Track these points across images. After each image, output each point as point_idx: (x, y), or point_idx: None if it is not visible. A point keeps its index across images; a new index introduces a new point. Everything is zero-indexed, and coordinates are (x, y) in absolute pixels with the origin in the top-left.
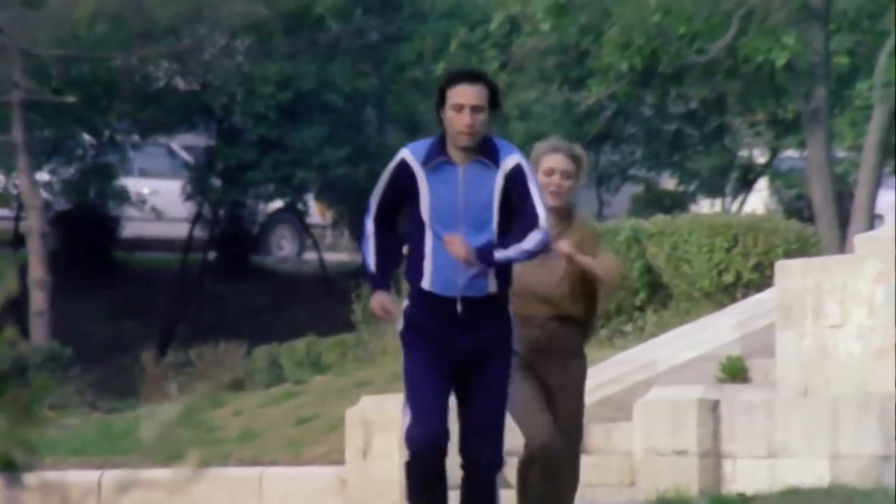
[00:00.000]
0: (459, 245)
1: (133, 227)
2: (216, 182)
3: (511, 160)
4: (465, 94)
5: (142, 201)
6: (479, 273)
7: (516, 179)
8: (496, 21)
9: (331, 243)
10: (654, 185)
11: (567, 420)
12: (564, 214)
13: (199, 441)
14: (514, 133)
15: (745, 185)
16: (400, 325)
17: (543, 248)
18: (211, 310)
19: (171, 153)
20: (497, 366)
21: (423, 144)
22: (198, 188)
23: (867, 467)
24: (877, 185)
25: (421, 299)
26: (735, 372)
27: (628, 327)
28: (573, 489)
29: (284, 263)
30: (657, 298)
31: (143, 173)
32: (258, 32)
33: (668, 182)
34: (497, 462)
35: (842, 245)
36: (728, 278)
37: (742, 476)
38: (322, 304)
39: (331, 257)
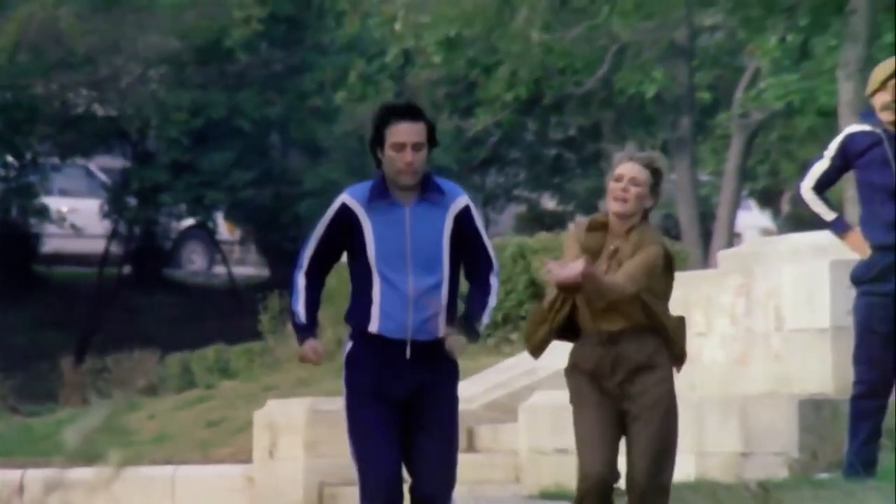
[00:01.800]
0: (458, 345)
1: (53, 242)
2: (132, 201)
3: (461, 201)
4: (405, 133)
5: (62, 218)
6: (430, 316)
7: (466, 221)
8: (391, 54)
9: (238, 258)
10: (536, 205)
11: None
12: (637, 230)
13: (116, 443)
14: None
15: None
16: (343, 369)
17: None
18: (126, 320)
19: (90, 174)
20: (445, 406)
21: (363, 187)
22: (114, 207)
23: (729, 463)
24: (736, 206)
25: (367, 343)
26: None
27: (514, 336)
28: None
29: (195, 277)
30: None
31: (63, 192)
32: (171, 63)
33: (549, 202)
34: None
35: (705, 260)
36: None
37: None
38: (230, 314)
39: (238, 271)
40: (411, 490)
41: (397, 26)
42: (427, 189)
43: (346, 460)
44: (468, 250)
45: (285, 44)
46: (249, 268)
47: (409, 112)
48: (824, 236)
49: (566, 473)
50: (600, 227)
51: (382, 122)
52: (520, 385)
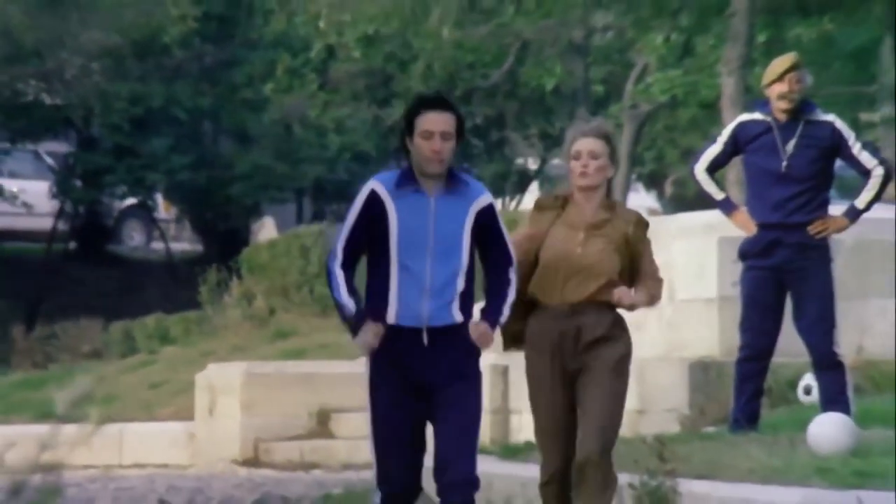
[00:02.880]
0: (484, 333)
1: (4, 220)
2: (77, 183)
3: (484, 198)
4: (434, 122)
5: (13, 197)
6: (443, 304)
7: (488, 217)
8: (315, 49)
9: (174, 235)
10: None
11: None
12: (606, 206)
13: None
14: (330, 143)
15: (521, 187)
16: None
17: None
18: (72, 291)
19: (38, 158)
20: (468, 386)
21: (391, 175)
22: (61, 188)
23: (627, 420)
24: (627, 188)
25: (387, 335)
26: (519, 338)
27: None
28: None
29: (135, 251)
30: None
31: (13, 175)
32: (112, 56)
33: None
34: (475, 482)
35: None
36: None
37: (527, 428)
38: (167, 286)
39: (175, 246)
40: (437, 470)
41: (321, 24)
42: (452, 182)
43: (279, 417)
44: (489, 246)
45: (217, 40)
46: (184, 243)
47: (440, 103)
48: (713, 215)
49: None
50: (553, 206)
51: (414, 111)
52: None
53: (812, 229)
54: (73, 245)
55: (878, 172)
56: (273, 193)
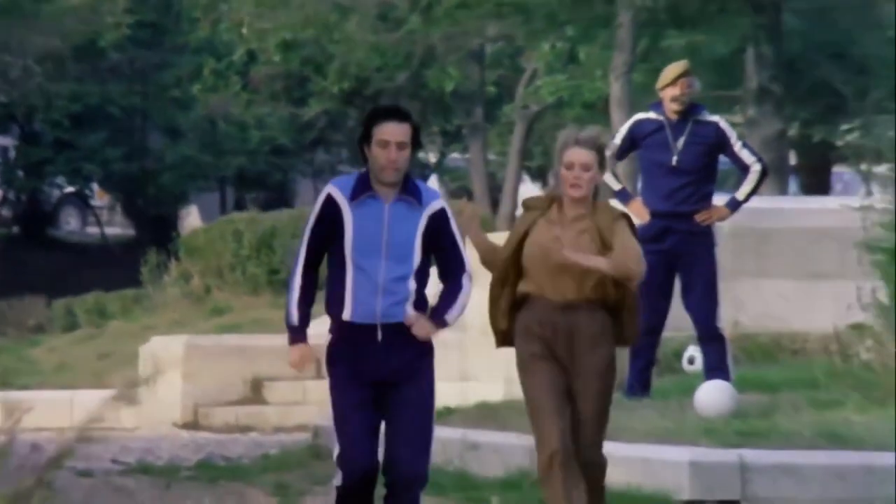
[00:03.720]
0: (423, 326)
1: None
2: (20, 173)
3: (436, 204)
4: (390, 132)
5: None
6: (395, 302)
7: (441, 222)
8: (238, 54)
9: (107, 220)
10: None
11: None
12: (585, 204)
13: (25, 371)
14: (251, 138)
15: (422, 179)
16: (323, 362)
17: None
18: (16, 271)
19: None
20: (420, 385)
21: (348, 180)
22: (5, 178)
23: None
24: (518, 180)
25: (342, 331)
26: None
27: None
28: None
29: (72, 235)
30: None
31: None
32: (53, 59)
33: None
34: (423, 478)
35: (493, 224)
36: None
37: (441, 396)
38: (103, 267)
39: (109, 231)
40: (386, 465)
41: (244, 31)
42: (407, 189)
43: (217, 385)
44: (442, 251)
45: (149, 45)
46: (116, 228)
47: (396, 113)
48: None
49: None
50: (539, 206)
51: (371, 120)
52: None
53: (698, 217)
54: (15, 229)
55: (756, 168)
56: (199, 182)
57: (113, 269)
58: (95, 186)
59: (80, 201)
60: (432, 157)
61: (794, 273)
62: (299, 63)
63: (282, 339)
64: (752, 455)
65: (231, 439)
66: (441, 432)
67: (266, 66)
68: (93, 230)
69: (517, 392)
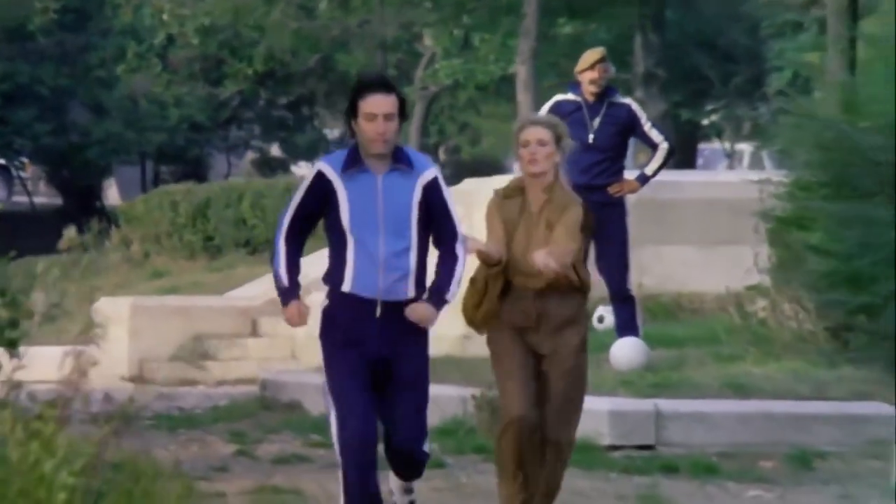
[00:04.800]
0: (425, 314)
1: None
2: None
3: (429, 172)
4: (377, 104)
5: None
6: (397, 279)
7: (434, 191)
8: (159, 37)
9: (33, 190)
10: (266, 153)
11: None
12: (548, 188)
13: None
14: (171, 115)
15: (327, 153)
16: (318, 325)
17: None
18: None
19: None
20: (416, 363)
21: (338, 156)
22: None
23: (455, 344)
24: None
25: (341, 301)
26: None
27: None
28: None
29: None
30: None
31: None
32: None
33: (276, 151)
34: (425, 455)
35: None
36: None
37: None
38: (34, 233)
39: (36, 200)
40: (385, 441)
41: (165, 16)
42: (398, 160)
43: (161, 342)
44: (435, 219)
45: (75, 28)
46: (43, 197)
47: (382, 85)
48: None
49: None
50: (516, 194)
51: (357, 93)
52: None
53: (611, 190)
54: None
55: (663, 147)
56: (122, 157)
57: (43, 234)
58: (24, 159)
59: (6, 172)
60: (336, 133)
61: (692, 240)
62: (216, 46)
63: (219, 300)
64: (665, 404)
65: (179, 392)
66: None
67: (184, 49)
68: (21, 199)
69: (450, 349)
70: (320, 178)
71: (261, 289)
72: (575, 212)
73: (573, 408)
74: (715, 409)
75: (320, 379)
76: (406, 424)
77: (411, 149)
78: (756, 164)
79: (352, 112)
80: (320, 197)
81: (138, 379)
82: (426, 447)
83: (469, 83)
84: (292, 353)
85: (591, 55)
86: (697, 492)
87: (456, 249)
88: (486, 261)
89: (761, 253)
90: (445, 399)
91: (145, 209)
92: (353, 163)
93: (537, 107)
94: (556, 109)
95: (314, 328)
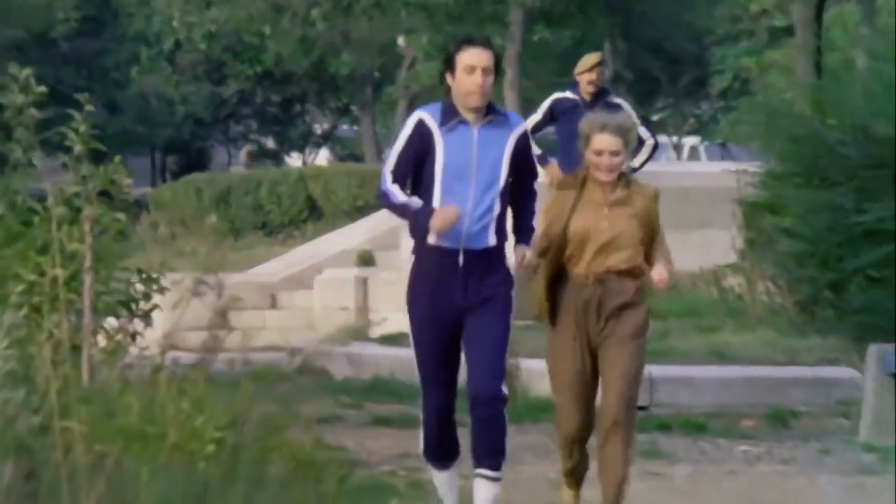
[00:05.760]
0: (525, 251)
1: None
2: None
3: (521, 127)
4: (477, 57)
5: None
6: (481, 227)
7: (526, 144)
8: (168, 43)
9: None
10: (263, 146)
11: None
12: (625, 183)
13: None
14: (178, 113)
15: (318, 146)
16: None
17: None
18: None
19: None
20: (497, 310)
21: (435, 107)
22: None
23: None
24: None
25: (426, 255)
26: (366, 259)
27: (297, 233)
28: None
29: None
30: (314, 216)
31: None
32: (16, 46)
33: (271, 144)
34: (504, 397)
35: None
36: (360, 203)
37: (379, 324)
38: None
39: None
40: (469, 387)
41: (175, 23)
42: (491, 113)
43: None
44: (521, 170)
45: (92, 35)
46: None
47: (481, 41)
48: None
49: (346, 321)
50: (573, 185)
51: (457, 48)
52: (307, 265)
53: None
54: None
55: (649, 143)
56: (135, 149)
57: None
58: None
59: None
60: (325, 126)
61: (669, 224)
62: (220, 50)
63: (241, 276)
64: (657, 370)
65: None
66: (401, 352)
67: (190, 53)
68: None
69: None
70: (421, 125)
71: (279, 266)
72: (657, 209)
73: (632, 390)
74: (700, 374)
75: (344, 348)
76: (486, 366)
77: (501, 106)
78: (693, 155)
79: (448, 67)
80: (421, 144)
81: (172, 347)
82: (502, 388)
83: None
84: (309, 324)
85: (591, 59)
86: (692, 447)
87: (534, 186)
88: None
89: (738, 235)
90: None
91: (172, 196)
92: (451, 115)
93: (522, 103)
94: (555, 106)
95: (328, 299)
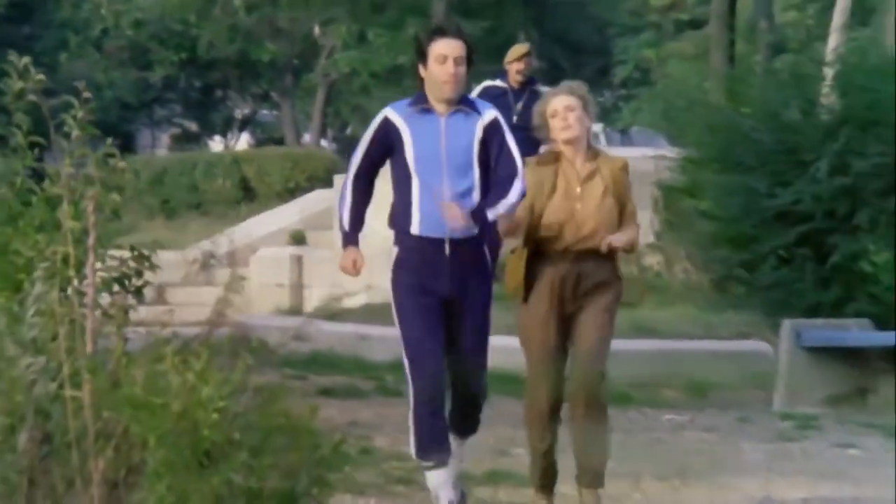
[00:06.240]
0: (456, 212)
1: None
2: None
3: (489, 114)
4: (449, 47)
5: None
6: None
7: (495, 131)
8: (96, 29)
9: None
10: (187, 129)
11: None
12: (592, 155)
13: None
14: (105, 97)
15: (239, 130)
16: (391, 273)
17: (522, 198)
18: None
19: None
20: (480, 302)
21: (403, 102)
22: None
23: (386, 295)
24: (321, 134)
25: (410, 244)
26: (298, 238)
27: (231, 213)
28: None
29: None
30: (248, 197)
31: None
32: None
33: (193, 127)
34: (484, 390)
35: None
36: (292, 185)
37: (315, 300)
38: None
39: None
40: (451, 380)
41: (103, 11)
42: (461, 103)
43: None
44: (498, 161)
45: (20, 21)
46: None
47: (454, 31)
48: None
49: (281, 299)
50: (549, 162)
51: (429, 38)
52: (242, 244)
53: (529, 160)
54: None
55: None
56: (62, 132)
57: None
58: None
59: None
60: (246, 111)
61: None
62: (147, 37)
63: (177, 254)
64: None
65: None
66: (340, 328)
67: (116, 39)
68: None
69: (384, 298)
70: (386, 122)
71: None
72: (627, 181)
73: (601, 361)
74: (623, 347)
75: (286, 321)
76: (468, 359)
77: (472, 97)
78: (595, 141)
79: (420, 58)
80: (386, 141)
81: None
82: (484, 381)
83: (364, 71)
84: (247, 301)
85: (519, 49)
86: (621, 416)
87: (514, 182)
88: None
89: (656, 218)
90: (393, 339)
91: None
92: (418, 105)
93: None
94: (485, 93)
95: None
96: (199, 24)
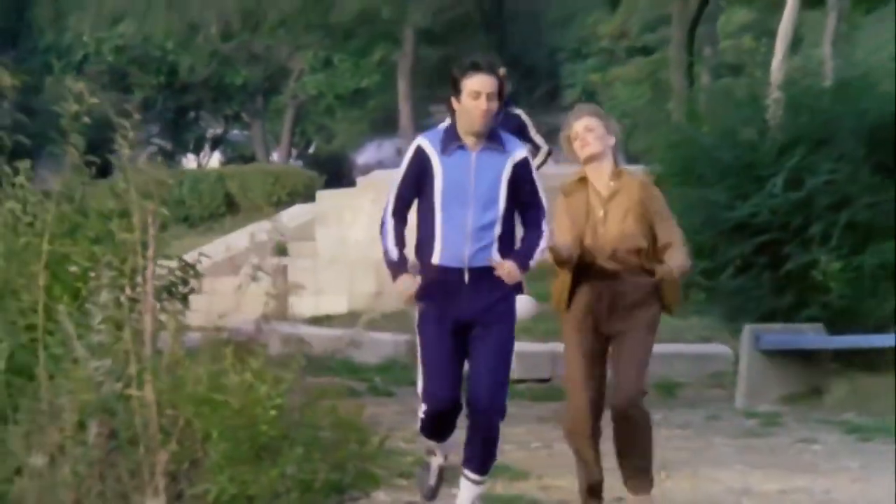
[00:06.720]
0: (511, 270)
1: None
2: None
3: (520, 153)
4: (482, 83)
5: None
6: (482, 247)
7: (525, 171)
8: (78, 55)
9: None
10: (164, 148)
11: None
12: (615, 175)
13: None
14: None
15: (211, 149)
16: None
17: (549, 238)
18: None
19: None
20: (501, 327)
21: (436, 133)
22: None
23: (367, 299)
24: (289, 149)
25: (432, 274)
26: (281, 250)
27: (216, 226)
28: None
29: None
30: (232, 210)
31: None
32: None
33: (169, 146)
34: (502, 410)
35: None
36: (274, 199)
37: (299, 305)
38: None
39: None
40: (469, 399)
41: (85, 38)
42: (492, 138)
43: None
44: (524, 197)
45: (6, 46)
46: None
47: (486, 67)
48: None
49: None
50: (577, 189)
51: (463, 73)
52: (228, 255)
53: None
54: None
55: (544, 149)
56: (50, 149)
57: None
58: None
59: None
60: (217, 131)
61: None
62: (126, 62)
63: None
64: (558, 347)
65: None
66: (328, 332)
67: (96, 64)
68: None
69: (357, 303)
70: (420, 152)
71: (212, 253)
72: (651, 196)
73: (640, 376)
74: None
75: (276, 327)
76: (487, 379)
77: (503, 132)
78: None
79: (455, 91)
80: (419, 171)
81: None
82: (503, 402)
83: (329, 94)
84: (238, 306)
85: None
86: None
87: (542, 226)
88: (556, 257)
89: None
90: (381, 343)
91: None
92: (451, 139)
93: (415, 113)
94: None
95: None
96: (177, 50)
